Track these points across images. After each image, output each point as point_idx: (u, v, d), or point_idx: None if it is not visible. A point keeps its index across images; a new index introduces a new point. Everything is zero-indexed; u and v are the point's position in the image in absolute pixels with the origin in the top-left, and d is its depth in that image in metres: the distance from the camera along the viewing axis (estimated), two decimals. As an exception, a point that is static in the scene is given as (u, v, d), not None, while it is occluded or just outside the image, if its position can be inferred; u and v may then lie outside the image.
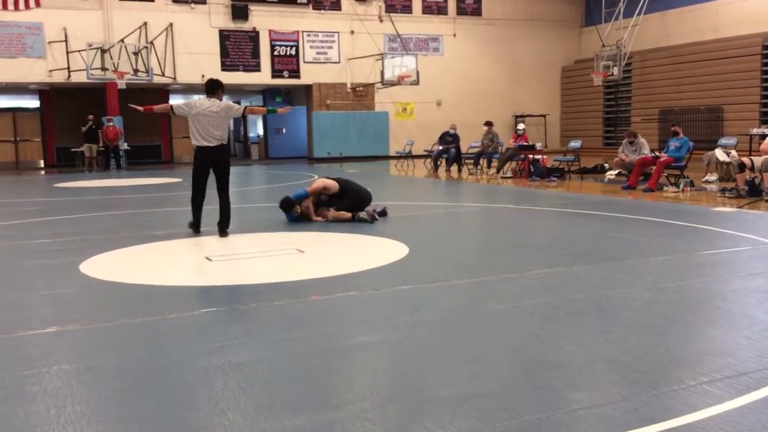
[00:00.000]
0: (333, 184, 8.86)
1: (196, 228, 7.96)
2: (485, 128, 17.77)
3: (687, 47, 22.66)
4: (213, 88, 7.99)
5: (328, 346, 3.85)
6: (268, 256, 6.65)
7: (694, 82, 22.15)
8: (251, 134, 30.85)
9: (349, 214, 8.66)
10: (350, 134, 25.54)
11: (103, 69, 21.02)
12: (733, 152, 13.13)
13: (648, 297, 4.74)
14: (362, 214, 8.59)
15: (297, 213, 8.72)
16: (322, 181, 8.96)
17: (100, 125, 22.11)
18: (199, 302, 4.89)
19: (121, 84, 21.38)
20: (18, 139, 24.99)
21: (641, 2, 23.05)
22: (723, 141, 14.05)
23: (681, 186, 11.71)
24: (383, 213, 9.00)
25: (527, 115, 26.96)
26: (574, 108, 27.98)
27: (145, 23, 22.54)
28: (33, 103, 25.26)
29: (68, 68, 21.67)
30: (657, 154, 12.66)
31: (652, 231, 7.73)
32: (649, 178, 12.02)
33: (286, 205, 8.72)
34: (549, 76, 28.22)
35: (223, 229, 7.85)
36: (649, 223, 8.29)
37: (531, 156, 15.26)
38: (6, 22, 21.25)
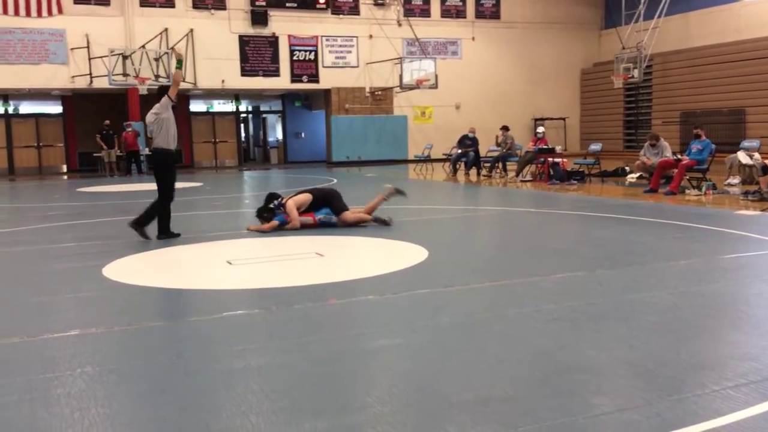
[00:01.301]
0: (305, 197, 8.61)
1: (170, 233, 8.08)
2: (501, 132, 17.77)
3: (709, 49, 22.43)
4: (161, 94, 8.21)
5: (348, 349, 3.85)
6: (288, 260, 6.67)
7: (716, 84, 21.93)
8: (270, 138, 31.04)
9: (370, 216, 8.58)
10: (369, 138, 25.58)
11: (125, 75, 21.23)
12: (756, 155, 12.94)
13: (671, 301, 4.69)
14: (384, 218, 8.53)
15: (262, 228, 8.43)
16: (291, 201, 8.53)
17: (118, 130, 22.34)
18: (219, 306, 4.91)
19: (143, 89, 21.58)
20: (41, 144, 25.30)
21: (662, 4, 22.88)
22: (746, 143, 13.86)
23: (703, 189, 11.59)
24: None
25: (547, 118, 26.85)
26: (594, 111, 27.82)
27: (166, 29, 22.75)
28: (56, 108, 25.58)
29: (90, 74, 21.92)
30: (679, 156, 12.54)
31: (674, 234, 7.66)
32: (671, 181, 11.91)
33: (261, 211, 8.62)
34: (568, 78, 28.09)
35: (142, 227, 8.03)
36: (671, 227, 8.21)
37: (551, 159, 15.19)
38: (29, 29, 21.55)
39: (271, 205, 8.67)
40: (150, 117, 8.14)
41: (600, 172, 15.42)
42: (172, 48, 8.40)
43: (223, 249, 7.39)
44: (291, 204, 8.51)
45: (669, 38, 23.60)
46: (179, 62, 8.50)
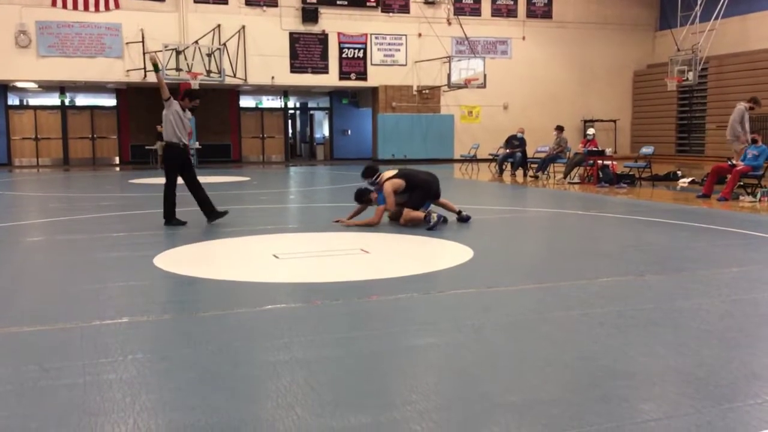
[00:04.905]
0: (399, 183, 8.52)
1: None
2: (555, 132, 17.55)
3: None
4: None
5: (393, 345, 3.86)
6: (333, 256, 6.72)
7: (774, 89, 21.31)
8: (317, 135, 31.27)
9: (422, 215, 8.32)
10: (415, 136, 25.58)
11: (178, 69, 21.66)
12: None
13: (723, 309, 4.59)
14: (434, 216, 8.21)
15: (358, 223, 8.54)
16: (390, 184, 8.50)
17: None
18: (266, 298, 4.97)
19: (195, 84, 21.97)
20: (95, 136, 25.97)
21: (719, 6, 22.33)
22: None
23: (758, 196, 11.29)
24: (465, 218, 8.81)
25: (597, 120, 26.47)
26: (646, 113, 27.32)
27: (219, 25, 23.11)
28: (110, 101, 26.22)
29: (144, 68, 22.41)
30: (733, 162, 12.24)
31: (726, 241, 7.48)
32: (724, 187, 11.63)
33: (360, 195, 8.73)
34: (620, 80, 27.64)
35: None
36: (723, 233, 8.02)
37: (600, 162, 14.97)
38: (87, 23, 22.14)
39: (368, 183, 8.73)
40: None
41: (651, 176, 15.14)
42: (149, 54, 8.52)
43: (269, 243, 7.48)
44: (389, 187, 8.45)
45: (726, 41, 23.03)
46: (155, 66, 8.88)
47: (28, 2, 21.64)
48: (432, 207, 8.86)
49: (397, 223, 8.57)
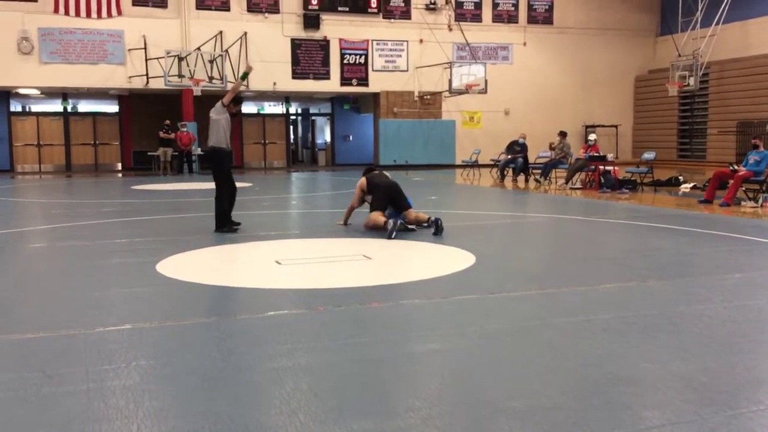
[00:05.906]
0: (362, 182, 9.00)
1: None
2: (558, 138, 17.55)
3: (769, 57, 21.86)
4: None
5: (396, 352, 3.86)
6: (335, 262, 6.73)
7: (775, 94, 21.35)
8: (318, 141, 31.30)
9: (383, 219, 8.22)
10: (416, 142, 25.60)
11: (180, 76, 21.68)
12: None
13: (726, 315, 4.58)
14: (390, 223, 7.97)
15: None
16: (358, 184, 9.04)
17: (173, 130, 22.84)
18: (268, 304, 4.98)
19: (197, 91, 22.02)
20: (97, 142, 25.99)
21: (720, 11, 22.35)
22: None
23: (760, 201, 11.28)
24: (436, 225, 8.23)
25: (598, 126, 26.47)
26: (647, 119, 27.33)
27: (221, 32, 23.16)
28: (112, 107, 26.26)
29: (147, 75, 22.45)
30: (735, 167, 12.23)
31: (729, 247, 7.47)
32: (726, 193, 11.63)
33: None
34: (622, 85, 27.66)
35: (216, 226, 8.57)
36: (726, 239, 8.01)
37: (602, 167, 14.97)
38: (89, 30, 22.19)
39: None
40: (212, 112, 8.72)
41: (652, 181, 15.13)
42: (247, 64, 8.65)
43: (272, 249, 7.49)
44: (357, 186, 9.05)
45: (727, 46, 23.04)
46: (245, 75, 8.98)
47: (31, 9, 21.70)
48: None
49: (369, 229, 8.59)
